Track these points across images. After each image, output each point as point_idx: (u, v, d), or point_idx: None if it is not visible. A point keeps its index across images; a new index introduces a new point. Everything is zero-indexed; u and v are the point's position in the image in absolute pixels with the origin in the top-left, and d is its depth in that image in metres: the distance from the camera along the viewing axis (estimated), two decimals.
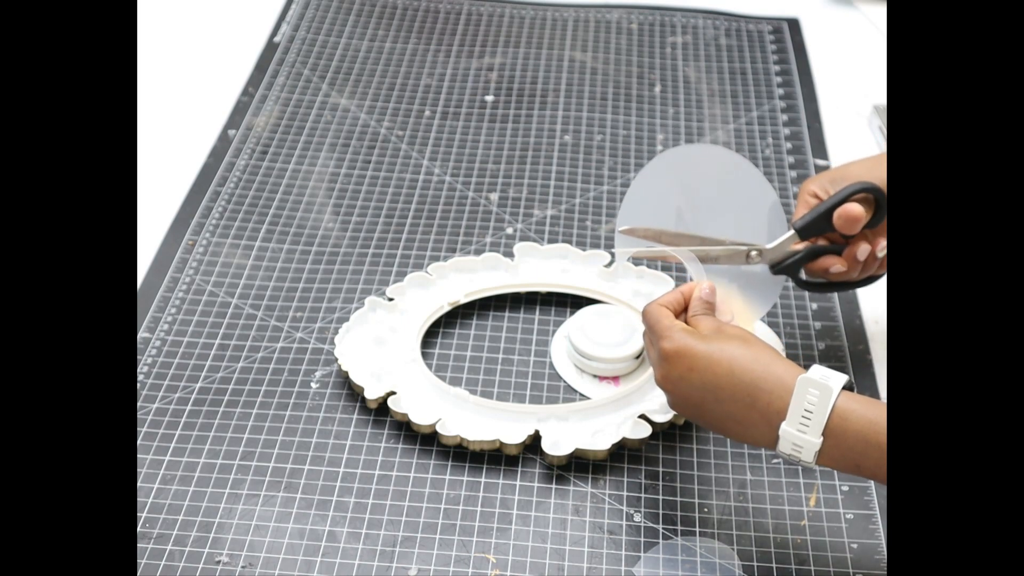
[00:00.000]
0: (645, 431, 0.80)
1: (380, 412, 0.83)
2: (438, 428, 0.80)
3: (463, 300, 0.91)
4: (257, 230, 1.00)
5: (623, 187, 1.06)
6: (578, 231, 1.01)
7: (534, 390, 0.86)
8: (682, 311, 0.75)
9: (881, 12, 1.34)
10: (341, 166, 1.08)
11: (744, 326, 0.74)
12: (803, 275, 0.82)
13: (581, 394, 0.86)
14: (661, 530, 0.76)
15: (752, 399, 0.67)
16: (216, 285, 0.94)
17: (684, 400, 0.70)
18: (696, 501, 0.78)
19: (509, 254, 0.96)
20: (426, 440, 0.81)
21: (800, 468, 0.80)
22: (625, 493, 0.78)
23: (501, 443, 0.79)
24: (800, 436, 0.66)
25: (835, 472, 0.80)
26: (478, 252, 0.97)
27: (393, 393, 0.82)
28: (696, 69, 1.24)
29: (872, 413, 0.65)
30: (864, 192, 0.79)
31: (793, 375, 0.67)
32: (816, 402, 0.65)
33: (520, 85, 1.20)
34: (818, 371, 0.67)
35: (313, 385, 0.85)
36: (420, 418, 0.80)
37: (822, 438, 0.65)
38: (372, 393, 0.82)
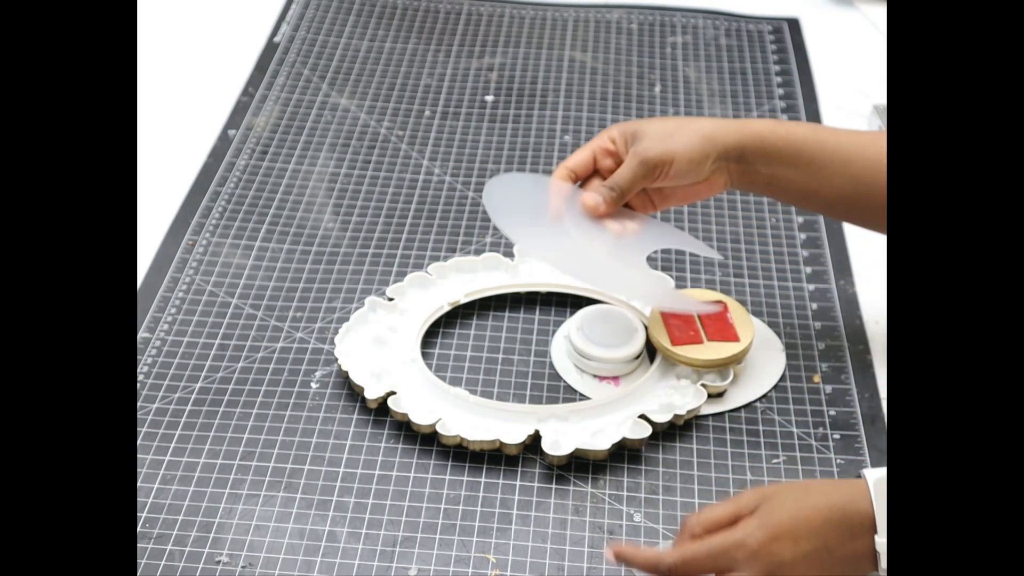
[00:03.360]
0: (645, 431, 0.80)
1: (380, 412, 0.83)
2: (438, 428, 0.80)
3: (463, 300, 0.91)
4: (257, 230, 1.00)
5: None
6: None
7: (534, 390, 0.86)
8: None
9: (881, 12, 1.34)
10: (341, 166, 1.08)
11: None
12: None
13: (581, 394, 0.86)
14: (661, 530, 0.76)
15: (851, 534, 0.64)
16: (216, 285, 0.94)
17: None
18: (696, 501, 0.78)
19: (509, 254, 0.96)
20: (426, 440, 0.81)
21: (799, 468, 0.80)
22: (625, 493, 0.78)
23: (501, 443, 0.79)
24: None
25: (834, 471, 0.79)
26: (478, 252, 0.97)
27: (393, 393, 0.82)
28: (696, 69, 1.24)
29: None
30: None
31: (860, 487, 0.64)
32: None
33: (520, 85, 1.20)
34: (867, 472, 0.64)
35: (313, 385, 0.85)
36: (420, 418, 0.80)
37: None
38: (372, 393, 0.82)
